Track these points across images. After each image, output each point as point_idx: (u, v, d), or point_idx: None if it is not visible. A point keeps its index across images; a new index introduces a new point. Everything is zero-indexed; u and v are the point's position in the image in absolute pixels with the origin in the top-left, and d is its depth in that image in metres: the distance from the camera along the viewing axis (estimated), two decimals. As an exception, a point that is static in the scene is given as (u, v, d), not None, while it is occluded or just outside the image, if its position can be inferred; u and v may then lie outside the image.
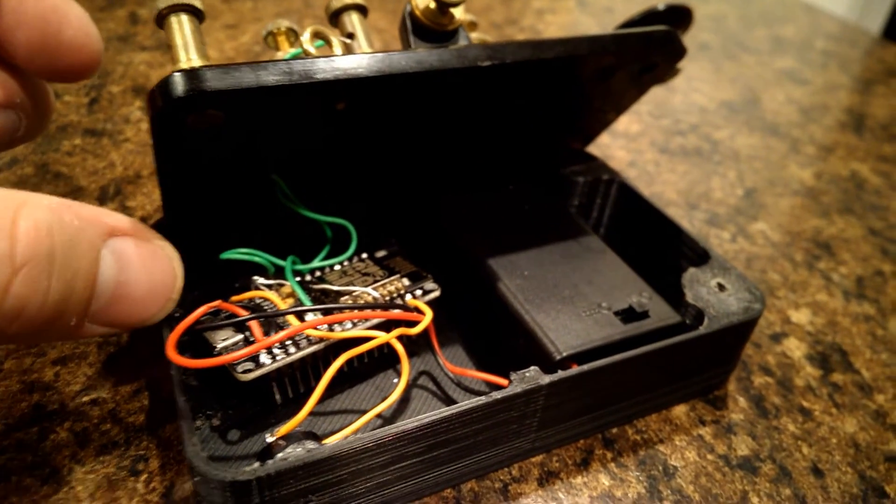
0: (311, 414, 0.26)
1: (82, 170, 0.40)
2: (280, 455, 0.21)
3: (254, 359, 0.25)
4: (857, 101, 0.63)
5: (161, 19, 0.24)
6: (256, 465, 0.21)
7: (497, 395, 0.24)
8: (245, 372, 0.25)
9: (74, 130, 0.43)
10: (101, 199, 0.38)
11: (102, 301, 0.21)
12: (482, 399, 0.23)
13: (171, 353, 0.23)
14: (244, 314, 0.26)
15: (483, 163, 0.36)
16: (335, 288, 0.29)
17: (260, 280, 0.29)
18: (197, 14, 0.25)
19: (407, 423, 0.22)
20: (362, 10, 0.30)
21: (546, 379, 0.24)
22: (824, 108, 0.61)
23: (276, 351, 0.26)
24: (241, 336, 0.26)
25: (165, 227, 0.29)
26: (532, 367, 0.25)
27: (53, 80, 0.25)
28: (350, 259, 0.31)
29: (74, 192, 0.38)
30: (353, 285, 0.29)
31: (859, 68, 0.71)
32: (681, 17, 0.37)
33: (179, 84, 0.22)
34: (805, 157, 0.52)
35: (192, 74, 0.22)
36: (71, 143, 0.42)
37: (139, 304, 0.23)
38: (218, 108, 0.23)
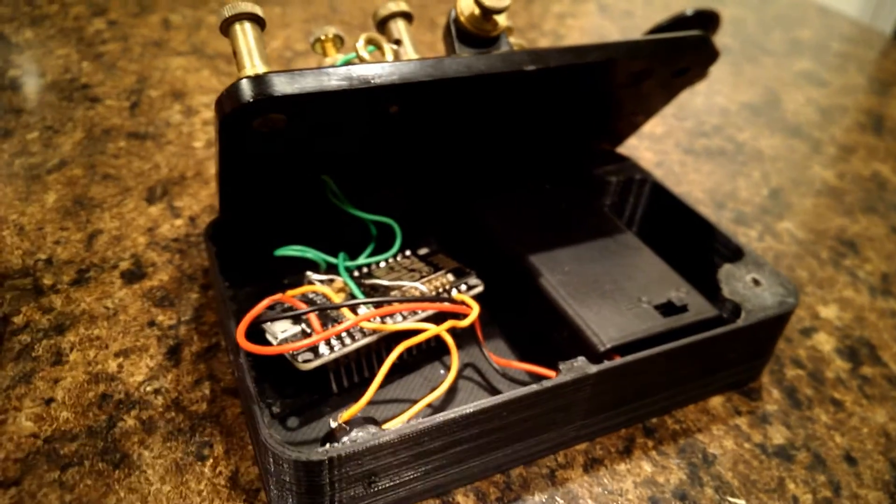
0: (371, 402, 0.27)
1: (129, 171, 0.41)
2: (347, 438, 0.23)
3: (313, 350, 0.26)
4: (875, 103, 0.64)
5: (226, 27, 0.26)
6: (328, 446, 0.22)
7: (548, 383, 0.25)
8: (306, 362, 0.26)
9: (118, 133, 0.44)
10: (150, 200, 0.39)
11: None
12: (534, 387, 0.24)
13: (242, 340, 0.24)
14: (302, 307, 0.27)
15: (521, 163, 0.38)
16: (385, 283, 0.30)
17: (313, 276, 0.30)
18: (259, 22, 0.26)
19: (465, 409, 0.23)
20: (408, 18, 0.31)
21: (593, 369, 0.26)
22: (843, 109, 0.61)
23: (333, 342, 0.27)
24: (298, 328, 0.27)
25: (222, 225, 0.31)
26: (580, 358, 0.26)
27: None
28: (395, 256, 0.33)
29: (123, 193, 0.39)
30: (401, 280, 0.30)
31: (875, 70, 0.72)
32: (708, 22, 0.38)
33: (247, 90, 0.23)
34: (827, 158, 0.53)
35: (259, 80, 0.23)
36: (116, 145, 0.43)
37: None
38: (282, 112, 0.24)
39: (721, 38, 0.73)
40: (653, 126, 0.54)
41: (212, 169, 0.43)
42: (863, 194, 0.49)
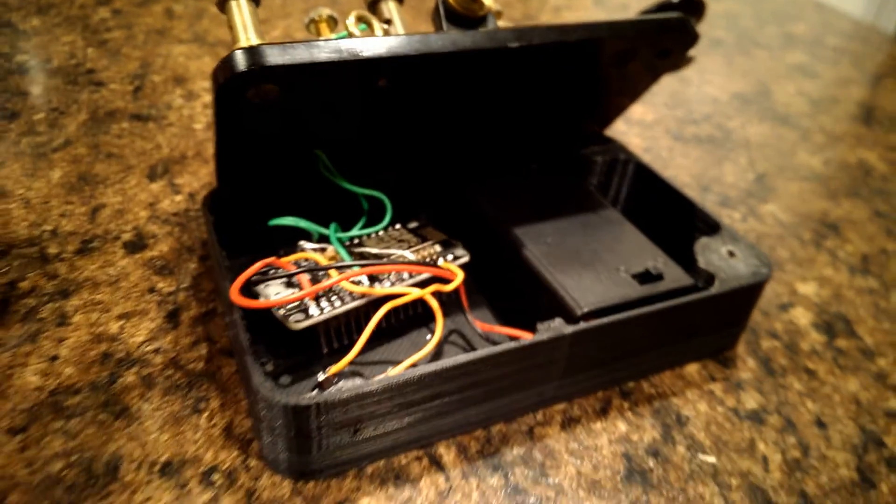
0: (354, 363, 0.29)
1: (131, 150, 0.42)
2: (334, 388, 0.24)
3: (304, 311, 0.28)
4: (867, 95, 0.65)
5: (222, 3, 0.27)
6: (315, 392, 0.23)
7: (525, 341, 0.26)
8: (297, 322, 0.27)
9: (122, 115, 0.46)
10: (151, 177, 0.40)
11: None
12: (513, 343, 0.26)
13: (235, 296, 0.25)
14: (294, 270, 0.28)
15: (508, 142, 0.39)
16: (374, 251, 0.31)
17: (306, 244, 0.31)
18: (254, -2, 0.28)
19: (446, 362, 0.25)
20: (399, -1, 0.33)
21: (569, 329, 0.27)
22: (834, 100, 0.63)
23: (323, 304, 0.28)
24: (290, 291, 0.28)
25: (219, 196, 0.32)
26: (557, 319, 0.27)
27: None
28: (385, 228, 0.34)
29: (126, 171, 0.40)
30: (391, 249, 0.32)
31: (871, 64, 0.73)
32: (694, 8, 0.39)
33: (241, 60, 0.24)
34: (814, 146, 0.54)
35: (252, 51, 0.24)
36: (119, 126, 0.45)
37: None
38: (275, 83, 0.26)
39: (715, 31, 0.75)
40: (643, 113, 0.55)
41: (211, 149, 0.44)
42: (848, 180, 0.50)
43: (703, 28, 0.35)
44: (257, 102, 0.26)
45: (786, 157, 0.52)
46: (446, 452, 0.27)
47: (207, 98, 0.49)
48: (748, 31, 0.76)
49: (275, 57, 0.25)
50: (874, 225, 0.45)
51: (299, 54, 0.25)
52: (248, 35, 0.27)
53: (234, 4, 0.27)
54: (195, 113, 0.47)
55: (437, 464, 0.27)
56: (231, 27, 0.27)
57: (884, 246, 0.43)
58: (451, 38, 0.28)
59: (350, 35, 0.31)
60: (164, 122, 0.46)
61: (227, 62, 0.24)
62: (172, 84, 0.51)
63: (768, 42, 0.74)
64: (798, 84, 0.65)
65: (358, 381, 0.25)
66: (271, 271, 0.29)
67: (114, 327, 0.31)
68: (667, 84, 0.61)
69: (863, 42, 0.77)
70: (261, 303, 0.26)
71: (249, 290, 0.28)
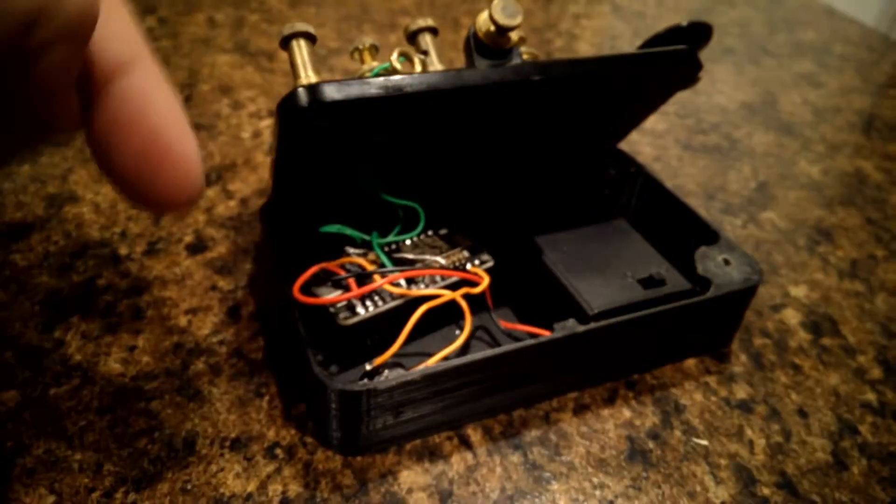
0: (395, 355, 0.33)
1: (187, 158, 0.47)
2: (380, 377, 0.28)
3: (351, 309, 0.32)
4: (868, 104, 0.68)
5: (285, 43, 0.31)
6: (366, 380, 0.28)
7: (543, 338, 0.30)
8: (346, 318, 0.32)
9: (175, 124, 0.50)
10: (206, 184, 0.45)
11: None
12: (532, 341, 0.30)
13: (297, 293, 0.30)
14: (343, 273, 0.33)
15: (533, 161, 0.43)
16: (411, 256, 0.36)
17: (351, 250, 0.36)
18: (311, 39, 0.32)
19: (475, 355, 0.29)
20: (434, 32, 0.37)
21: (581, 328, 0.31)
22: (836, 109, 0.66)
23: (368, 304, 0.32)
24: (339, 291, 0.33)
25: (275, 206, 0.37)
26: (570, 319, 0.31)
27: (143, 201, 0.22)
28: (419, 235, 0.38)
29: (183, 178, 0.45)
30: (424, 255, 0.36)
31: (875, 72, 0.76)
32: (702, 32, 0.43)
33: (303, 96, 0.29)
34: (814, 155, 0.58)
35: (313, 89, 0.29)
36: (174, 135, 0.49)
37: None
38: (330, 115, 0.30)
39: (726, 40, 0.78)
40: (654, 123, 0.59)
41: (258, 157, 0.48)
42: (843, 189, 0.54)
43: (714, 36, 0.39)
44: (314, 131, 0.31)
45: (787, 165, 0.56)
46: (473, 433, 0.32)
47: (253, 108, 0.53)
48: (758, 39, 0.80)
49: (332, 94, 0.29)
50: (864, 232, 0.49)
51: (353, 91, 0.29)
52: (307, 73, 0.31)
53: (294, 44, 0.31)
54: (242, 122, 0.52)
55: (465, 443, 0.31)
56: (292, 64, 0.31)
57: (872, 252, 0.47)
58: (482, 74, 0.32)
59: (393, 68, 0.35)
60: (214, 131, 0.50)
61: (291, 98, 0.29)
62: (219, 94, 0.55)
63: (777, 50, 0.77)
64: (803, 93, 0.68)
65: (399, 371, 0.29)
66: (322, 273, 0.34)
67: (182, 321, 0.35)
68: (679, 94, 0.64)
69: (868, 49, 0.81)
70: (320, 300, 0.31)
71: (305, 290, 0.33)
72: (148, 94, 0.21)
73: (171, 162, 0.21)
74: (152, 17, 0.66)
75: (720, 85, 0.68)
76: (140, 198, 0.21)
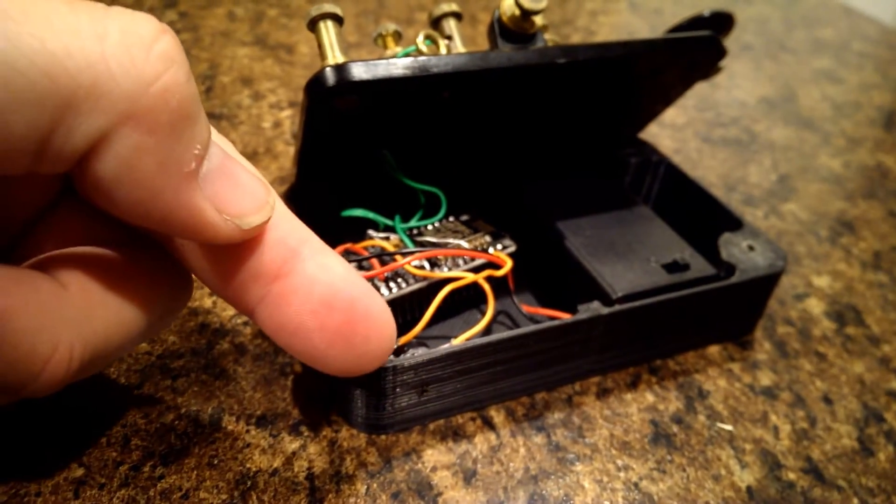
0: (417, 337, 0.33)
1: (209, 146, 0.47)
2: (405, 355, 0.28)
3: (376, 290, 0.32)
4: (888, 100, 0.68)
5: (313, 24, 0.32)
6: (391, 357, 0.28)
7: (567, 319, 0.30)
8: (370, 299, 0.32)
9: (197, 114, 0.51)
10: (228, 171, 0.45)
11: (213, 162, 0.20)
12: (557, 321, 0.30)
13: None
14: (367, 255, 0.33)
15: (553, 146, 0.43)
16: (433, 240, 0.36)
17: (374, 233, 0.36)
18: (339, 20, 0.32)
19: (499, 335, 0.29)
20: (458, 17, 0.37)
21: (605, 311, 0.31)
22: (857, 105, 0.66)
23: (391, 285, 0.33)
24: (363, 272, 0.33)
25: (298, 190, 0.37)
26: (595, 301, 0.31)
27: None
28: (441, 220, 0.38)
29: (205, 165, 0.45)
30: (447, 239, 0.36)
31: (895, 70, 0.76)
32: (724, 22, 0.43)
33: (331, 76, 0.29)
34: (835, 149, 0.58)
35: (340, 68, 0.29)
36: (196, 124, 0.49)
37: (242, 188, 0.21)
38: (357, 94, 0.30)
39: (744, 36, 0.78)
40: (674, 116, 0.59)
41: (279, 146, 0.49)
42: (865, 182, 0.54)
43: (733, 33, 0.39)
44: (341, 110, 0.31)
45: (807, 159, 0.56)
46: (496, 414, 0.32)
47: (273, 98, 0.54)
48: (777, 36, 0.79)
49: (360, 73, 0.29)
50: (887, 224, 0.49)
51: (380, 70, 0.29)
52: (334, 53, 0.31)
53: (322, 25, 0.32)
54: (262, 112, 0.52)
55: (489, 424, 0.31)
56: (320, 45, 0.31)
57: (895, 244, 0.47)
58: (507, 56, 0.32)
59: (419, 51, 0.35)
60: (235, 121, 0.50)
61: (319, 77, 0.29)
62: (240, 85, 0.55)
63: (796, 47, 0.77)
64: (823, 89, 0.68)
65: (424, 349, 0.29)
66: (347, 254, 0.34)
67: (207, 302, 0.35)
68: (697, 88, 0.64)
69: (887, 47, 0.80)
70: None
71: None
72: (329, 266, 0.23)
73: (372, 321, 0.24)
74: (173, 10, 0.67)
75: (739, 80, 0.68)
76: (336, 369, 0.24)
